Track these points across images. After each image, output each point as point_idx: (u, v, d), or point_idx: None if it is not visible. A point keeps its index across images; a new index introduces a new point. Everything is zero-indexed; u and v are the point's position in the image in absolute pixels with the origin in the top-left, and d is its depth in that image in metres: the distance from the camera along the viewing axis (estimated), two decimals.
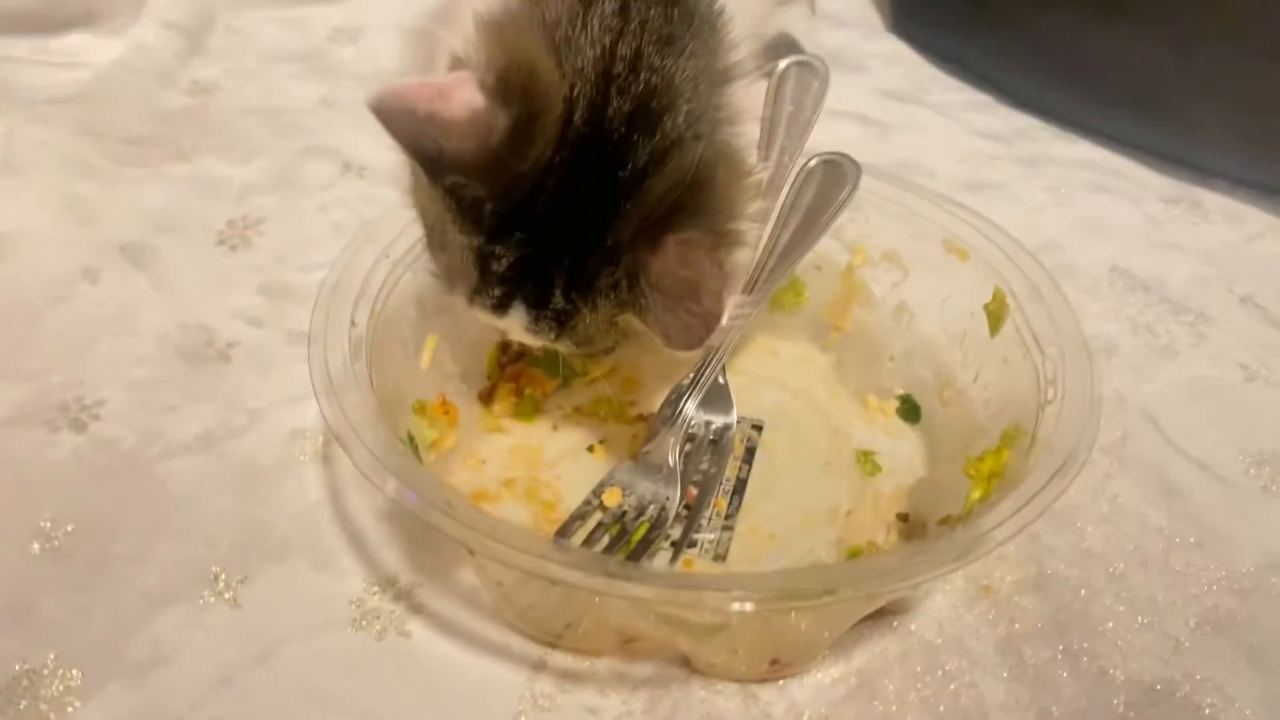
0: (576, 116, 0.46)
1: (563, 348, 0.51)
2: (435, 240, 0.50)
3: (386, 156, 0.53)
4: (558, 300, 0.48)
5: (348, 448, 0.44)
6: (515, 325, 0.50)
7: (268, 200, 0.77)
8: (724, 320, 0.46)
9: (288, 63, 0.95)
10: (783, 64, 0.65)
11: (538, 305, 0.48)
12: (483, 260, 0.47)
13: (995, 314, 0.56)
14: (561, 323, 0.49)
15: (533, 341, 0.51)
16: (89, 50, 0.93)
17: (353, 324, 0.51)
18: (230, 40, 0.97)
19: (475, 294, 0.49)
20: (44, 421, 0.59)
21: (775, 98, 0.64)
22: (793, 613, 0.44)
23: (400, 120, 0.44)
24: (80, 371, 0.62)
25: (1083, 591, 0.53)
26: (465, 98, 0.44)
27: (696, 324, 0.45)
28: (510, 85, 0.45)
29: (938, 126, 0.91)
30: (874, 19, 1.08)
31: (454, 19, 0.53)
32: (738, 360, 0.64)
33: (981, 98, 0.95)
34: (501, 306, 0.48)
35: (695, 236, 0.46)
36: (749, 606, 0.38)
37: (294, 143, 0.84)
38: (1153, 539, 0.56)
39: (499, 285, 0.48)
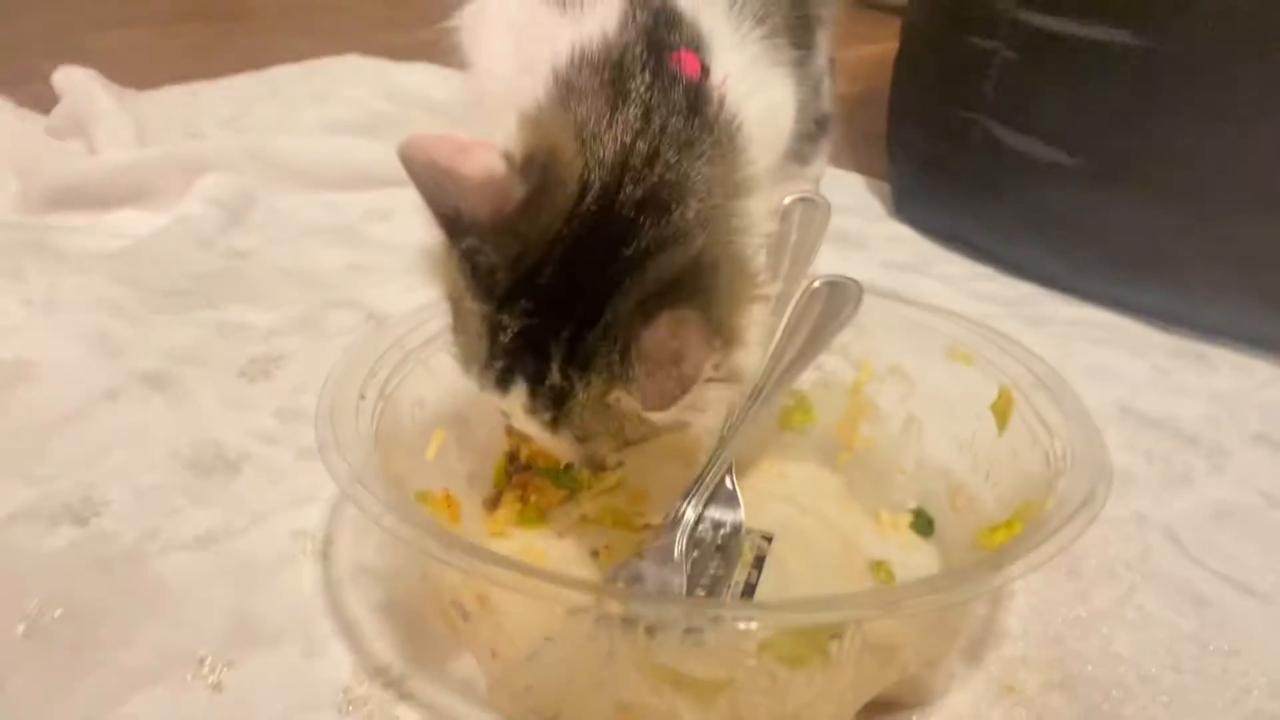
0: (589, 198, 0.48)
1: (562, 441, 0.51)
2: (457, 320, 0.51)
3: (411, 301, 0.57)
4: (554, 375, 0.48)
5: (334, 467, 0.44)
6: (516, 406, 0.49)
7: (291, 340, 0.80)
8: (707, 390, 0.46)
9: (321, 235, 1.00)
10: (787, 200, 0.68)
11: (536, 381, 0.48)
12: (491, 330, 0.48)
13: (1002, 411, 0.56)
14: (558, 403, 0.49)
15: (533, 430, 0.51)
16: (137, 223, 1.00)
17: (361, 397, 0.51)
18: (269, 216, 1.04)
19: (483, 369, 0.49)
20: (46, 517, 0.59)
21: (780, 229, 0.67)
22: (801, 674, 0.42)
23: (423, 170, 0.46)
24: (89, 477, 0.62)
25: (1114, 692, 0.50)
26: (484, 160, 0.47)
27: (672, 385, 0.45)
28: (531, 162, 0.48)
29: (942, 294, 0.93)
30: (876, 206, 1.14)
31: (495, 115, 0.57)
32: (746, 479, 0.64)
33: (983, 269, 0.99)
34: (504, 382, 0.49)
35: (689, 315, 0.46)
36: (753, 625, 0.37)
37: (320, 296, 0.87)
38: (1185, 645, 0.53)
39: (502, 358, 0.48)
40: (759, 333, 0.53)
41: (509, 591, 0.44)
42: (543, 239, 0.47)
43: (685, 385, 0.44)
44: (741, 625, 0.38)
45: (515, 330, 0.47)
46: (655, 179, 0.49)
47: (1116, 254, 0.89)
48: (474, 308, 0.48)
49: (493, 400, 0.50)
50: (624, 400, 0.48)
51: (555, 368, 0.47)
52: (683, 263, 0.48)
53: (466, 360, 0.50)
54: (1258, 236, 0.80)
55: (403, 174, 0.47)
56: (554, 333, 0.47)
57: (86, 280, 0.84)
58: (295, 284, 0.90)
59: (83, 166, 1.06)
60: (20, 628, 0.51)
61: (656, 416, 0.47)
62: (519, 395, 0.48)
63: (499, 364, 0.48)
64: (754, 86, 0.59)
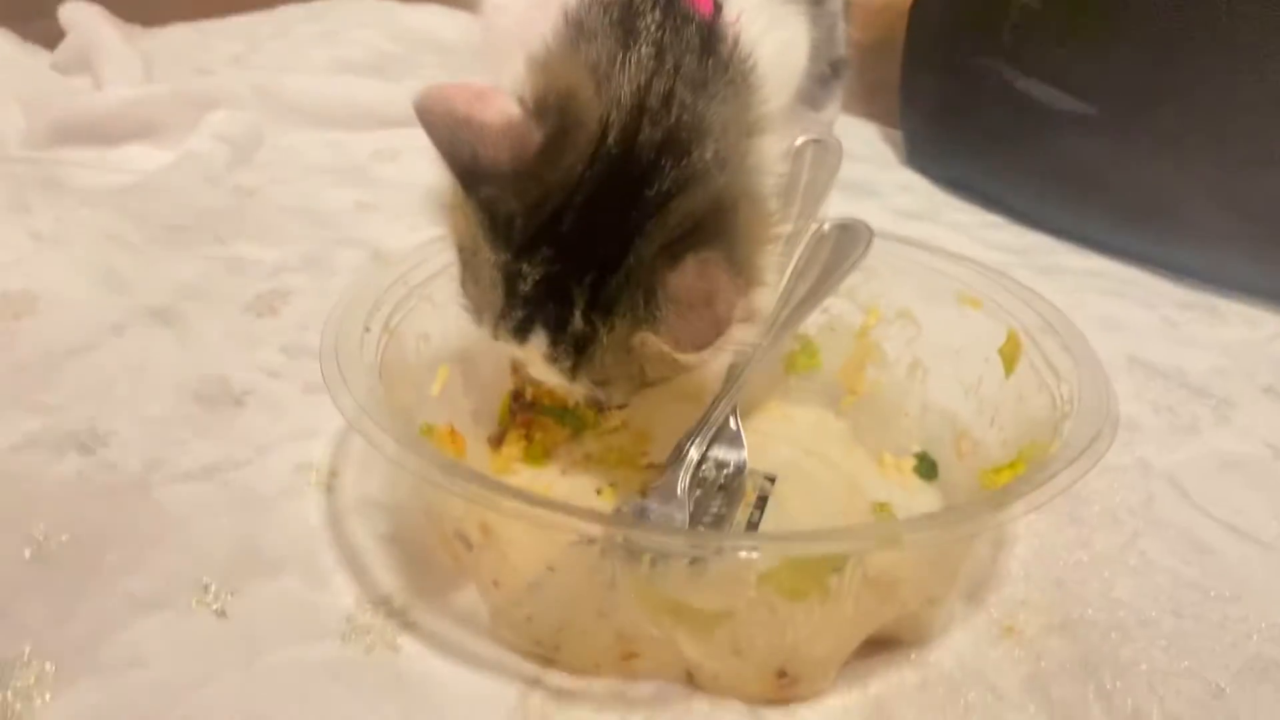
0: (610, 138, 0.47)
1: (580, 388, 0.51)
2: (468, 270, 0.51)
3: (418, 241, 0.57)
4: (577, 322, 0.47)
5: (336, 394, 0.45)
6: (535, 355, 0.49)
7: (297, 278, 0.80)
8: (734, 331, 0.45)
9: (328, 173, 1.00)
10: (798, 141, 0.67)
11: (557, 328, 0.48)
12: (509, 279, 0.47)
13: (1009, 355, 0.56)
14: (579, 350, 0.48)
15: (552, 378, 0.51)
16: (144, 159, 0.99)
17: (366, 330, 0.51)
18: (276, 155, 1.03)
19: (500, 319, 0.49)
20: (52, 446, 0.59)
21: (791, 170, 0.66)
22: (800, 607, 0.42)
23: (440, 120, 0.45)
24: (95, 408, 0.62)
25: (1114, 634, 0.50)
26: (501, 105, 0.46)
27: (706, 327, 0.45)
28: (548, 103, 0.47)
29: (952, 242, 0.93)
30: (888, 154, 1.13)
31: (503, 53, 0.56)
32: (750, 421, 0.63)
33: (994, 219, 0.98)
34: (523, 331, 0.48)
35: (715, 256, 0.46)
36: (755, 555, 0.37)
37: (327, 234, 0.87)
38: (1186, 591, 0.53)
39: (522, 307, 0.48)
40: (775, 272, 0.53)
41: (512, 522, 0.44)
42: (564, 183, 0.47)
43: (720, 327, 0.44)
44: (743, 555, 0.38)
45: (536, 278, 0.47)
46: (673, 120, 0.48)
47: (1130, 205, 0.88)
48: (490, 258, 0.47)
49: (509, 350, 0.50)
50: (649, 343, 0.47)
51: (578, 313, 0.47)
52: (704, 204, 0.48)
53: (479, 311, 0.50)
54: (1267, 190, 0.79)
55: (411, 114, 0.46)
56: (577, 278, 0.47)
57: (93, 214, 0.84)
58: (302, 221, 0.89)
59: (89, 102, 1.05)
60: (27, 552, 0.52)
61: (687, 358, 0.47)
62: (539, 343, 0.48)
63: (518, 313, 0.48)
64: (768, 25, 0.58)
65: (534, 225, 0.46)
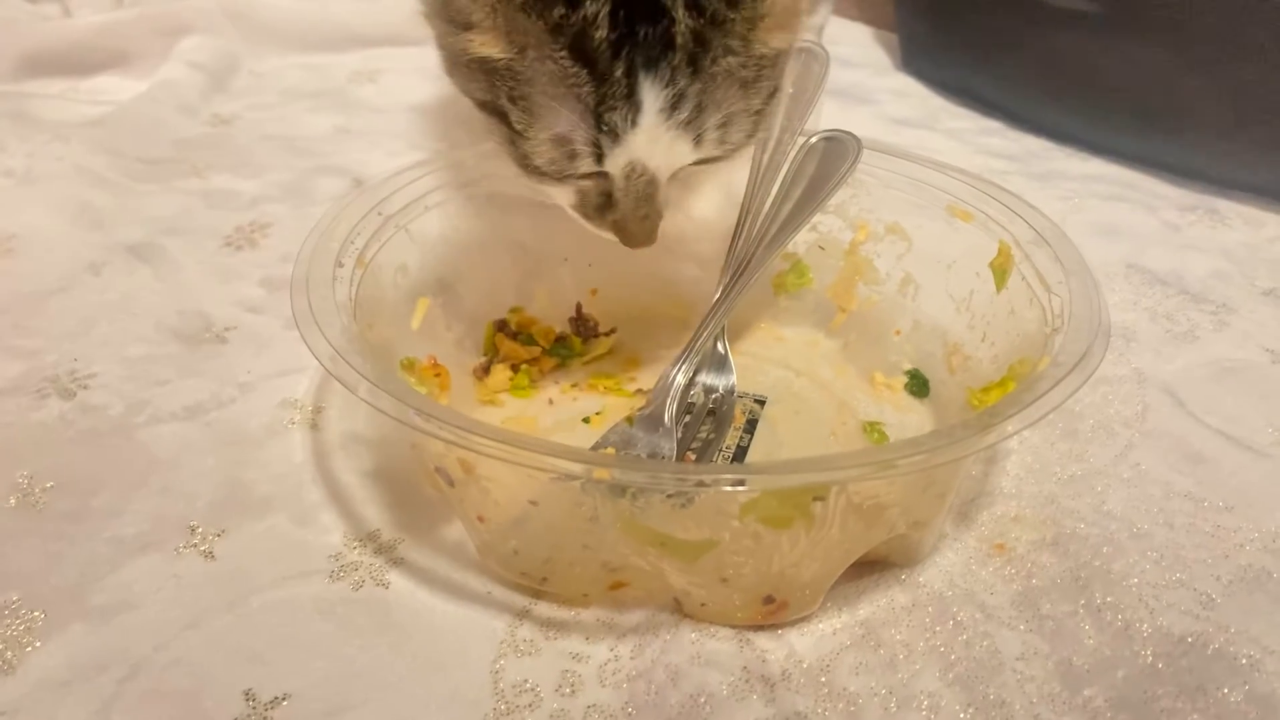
0: None
1: (707, 146, 0.48)
2: (517, 87, 0.47)
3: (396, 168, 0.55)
4: (683, 31, 0.44)
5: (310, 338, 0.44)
6: (649, 116, 0.46)
7: (277, 208, 0.78)
8: None
9: (306, 99, 0.97)
10: None
11: (664, 53, 0.45)
12: (578, 39, 0.44)
13: (1001, 268, 0.54)
14: (696, 67, 0.45)
15: (669, 153, 0.48)
16: (117, 90, 0.97)
17: (339, 264, 0.50)
18: (252, 81, 1.00)
19: (600, 103, 0.45)
20: (33, 391, 0.58)
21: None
22: (785, 535, 0.41)
23: None
24: (75, 350, 0.62)
25: (1105, 549, 0.50)
26: None
27: None
28: None
29: (949, 149, 0.90)
30: (882, 59, 1.09)
31: None
32: (741, 344, 0.63)
33: (992, 124, 0.95)
34: (629, 90, 0.45)
35: None
36: (730, 489, 0.36)
37: (306, 162, 0.85)
38: (1179, 502, 0.53)
39: (611, 58, 0.44)
40: None
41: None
42: None
43: None
44: (727, 489, 0.37)
45: (609, 9, 0.44)
46: None
47: (1132, 105, 0.85)
48: (551, 42, 0.44)
49: (617, 146, 0.47)
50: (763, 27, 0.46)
51: (682, 24, 0.44)
52: None
53: (570, 134, 0.47)
54: (1268, 90, 0.76)
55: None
56: None
57: (66, 149, 0.82)
58: (281, 150, 0.87)
59: (58, 29, 1.02)
60: (12, 500, 0.51)
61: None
62: (653, 93, 0.45)
63: (618, 74, 0.45)
64: None
65: None
